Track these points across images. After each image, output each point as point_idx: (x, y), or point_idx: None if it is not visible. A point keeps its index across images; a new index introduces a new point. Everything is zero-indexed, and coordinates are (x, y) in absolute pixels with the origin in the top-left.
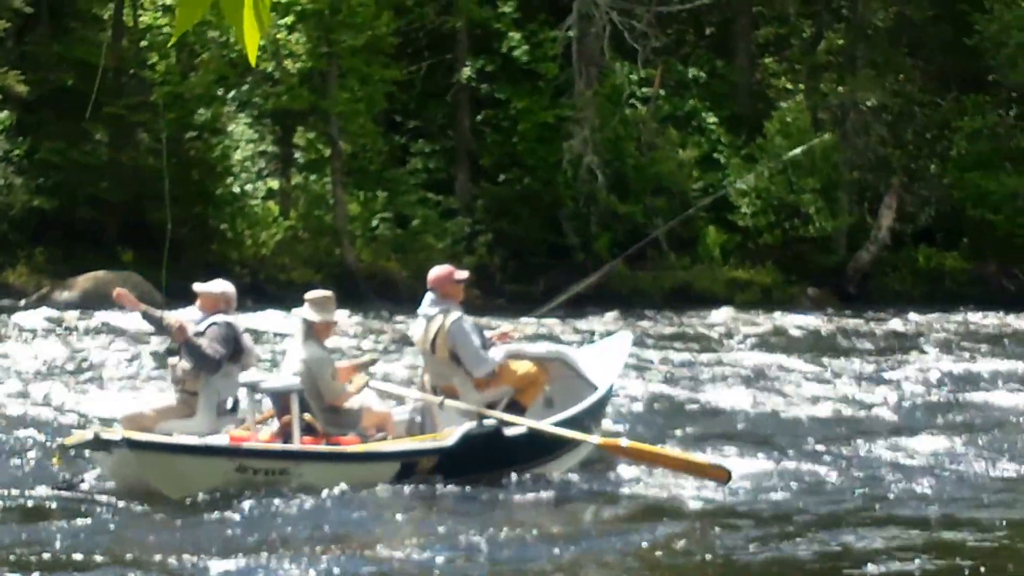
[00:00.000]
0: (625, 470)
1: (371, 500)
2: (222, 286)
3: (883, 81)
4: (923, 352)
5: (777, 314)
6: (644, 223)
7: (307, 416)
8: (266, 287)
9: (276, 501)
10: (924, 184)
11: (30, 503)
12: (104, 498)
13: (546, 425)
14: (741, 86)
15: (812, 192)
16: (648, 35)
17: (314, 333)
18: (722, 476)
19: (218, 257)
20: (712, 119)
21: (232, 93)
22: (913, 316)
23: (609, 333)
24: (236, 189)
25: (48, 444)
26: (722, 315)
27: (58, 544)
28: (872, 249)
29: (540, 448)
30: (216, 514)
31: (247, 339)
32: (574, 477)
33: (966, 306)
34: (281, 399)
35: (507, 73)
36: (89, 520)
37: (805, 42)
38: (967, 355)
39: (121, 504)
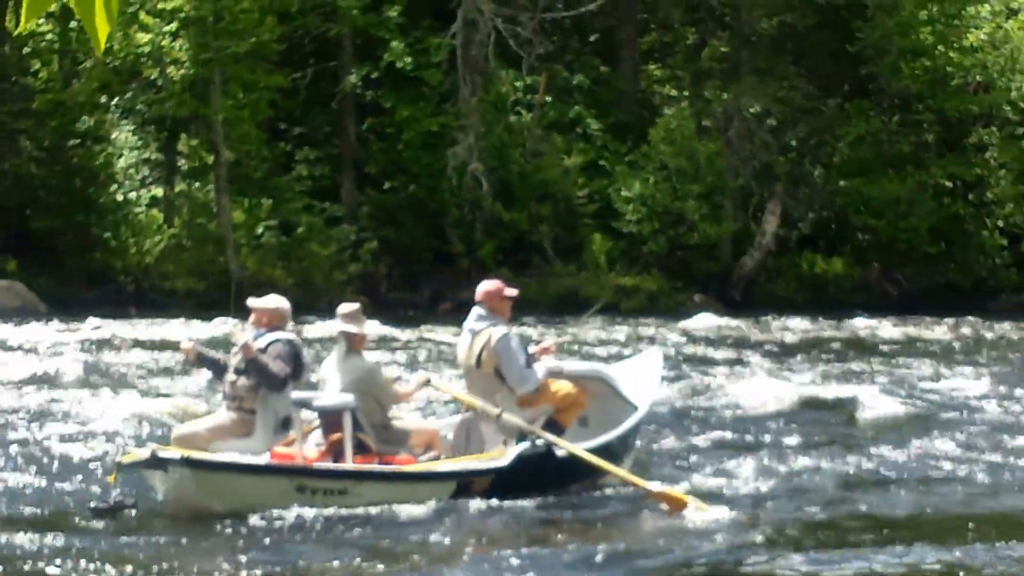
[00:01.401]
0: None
1: (428, 519)
2: (276, 301)
3: (767, 88)
4: (807, 357)
5: (663, 320)
6: (529, 230)
7: (360, 435)
8: (150, 296)
9: (335, 520)
10: (808, 190)
11: (82, 523)
12: (159, 518)
13: (598, 459)
14: (626, 93)
15: (696, 199)
16: (532, 42)
17: (355, 346)
18: (681, 506)
19: (101, 265)
20: (597, 126)
21: (115, 100)
22: (797, 322)
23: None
24: (119, 197)
25: None
26: (608, 322)
27: (110, 564)
28: (756, 255)
29: (590, 468)
30: (274, 533)
31: (306, 356)
32: (626, 497)
33: (850, 311)
34: (331, 417)
35: (392, 80)
36: (143, 540)
37: (689, 49)
38: (850, 360)
39: (176, 524)
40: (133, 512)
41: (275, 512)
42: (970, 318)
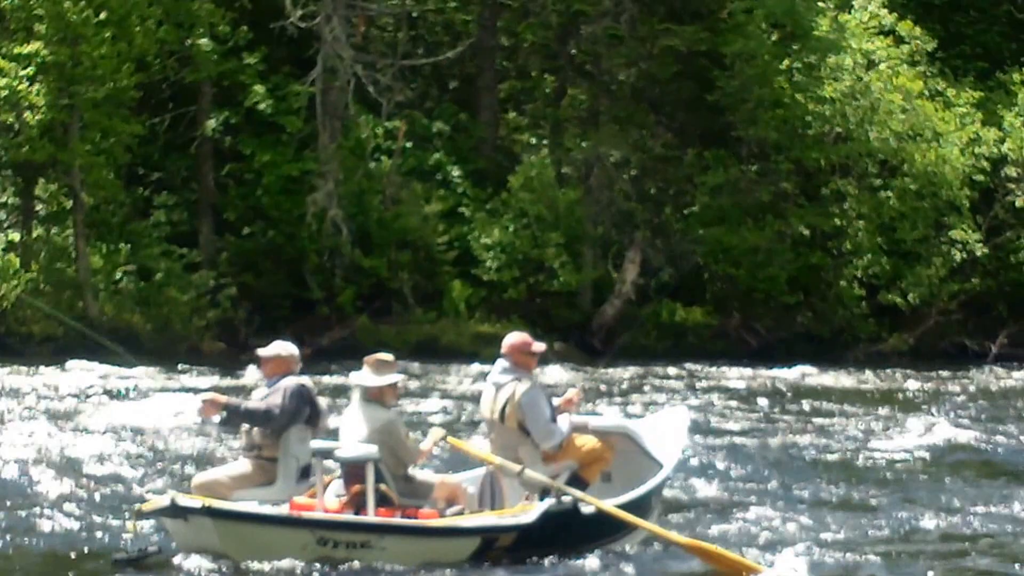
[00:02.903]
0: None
1: (451, 575)
2: (279, 348)
3: (627, 136)
4: (661, 407)
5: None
6: (388, 277)
7: (382, 486)
8: (7, 341)
9: (356, 574)
10: (667, 239)
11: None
12: (179, 567)
13: (625, 513)
14: (485, 140)
15: (557, 247)
16: (392, 89)
17: (375, 397)
18: None
19: None
20: (457, 173)
21: None
22: (655, 370)
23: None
24: None
25: None
26: (470, 370)
27: None
28: (616, 304)
29: (616, 525)
30: None
31: (321, 401)
32: (652, 555)
33: (708, 360)
34: (353, 468)
35: (251, 126)
36: None
37: (548, 97)
38: (705, 410)
39: (196, 574)
40: (155, 560)
41: (296, 564)
42: (826, 367)
